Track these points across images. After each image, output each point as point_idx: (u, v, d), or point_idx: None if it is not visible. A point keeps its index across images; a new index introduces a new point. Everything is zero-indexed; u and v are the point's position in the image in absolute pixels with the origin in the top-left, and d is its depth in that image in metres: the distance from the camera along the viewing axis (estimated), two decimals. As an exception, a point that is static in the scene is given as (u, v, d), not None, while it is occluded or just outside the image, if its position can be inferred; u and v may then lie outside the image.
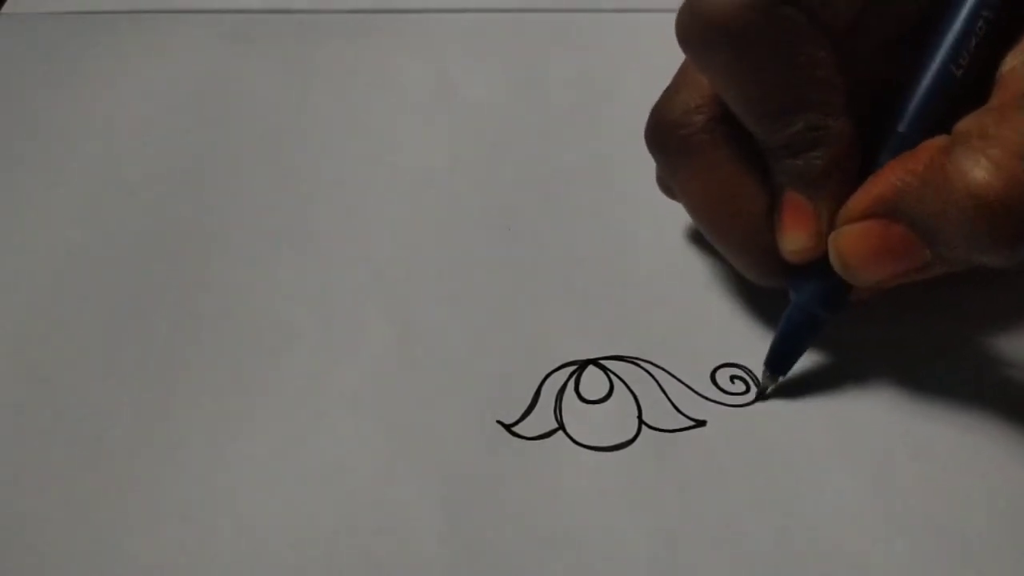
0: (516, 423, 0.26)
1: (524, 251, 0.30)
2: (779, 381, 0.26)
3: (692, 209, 0.27)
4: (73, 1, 0.42)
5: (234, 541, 0.23)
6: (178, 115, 0.36)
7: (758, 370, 0.26)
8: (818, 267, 0.24)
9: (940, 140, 0.22)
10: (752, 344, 0.27)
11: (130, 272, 0.30)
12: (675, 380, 0.26)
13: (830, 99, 0.23)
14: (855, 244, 0.23)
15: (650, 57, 0.36)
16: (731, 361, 0.27)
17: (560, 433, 0.25)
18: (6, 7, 0.42)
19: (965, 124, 0.22)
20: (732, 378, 0.26)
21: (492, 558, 0.23)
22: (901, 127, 0.23)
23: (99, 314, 0.29)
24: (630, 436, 0.25)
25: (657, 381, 0.26)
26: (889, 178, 0.22)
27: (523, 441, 0.25)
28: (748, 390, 0.26)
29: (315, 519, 0.24)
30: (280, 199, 0.32)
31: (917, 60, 0.23)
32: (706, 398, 0.26)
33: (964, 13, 0.23)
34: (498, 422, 0.26)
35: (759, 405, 0.26)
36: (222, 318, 0.28)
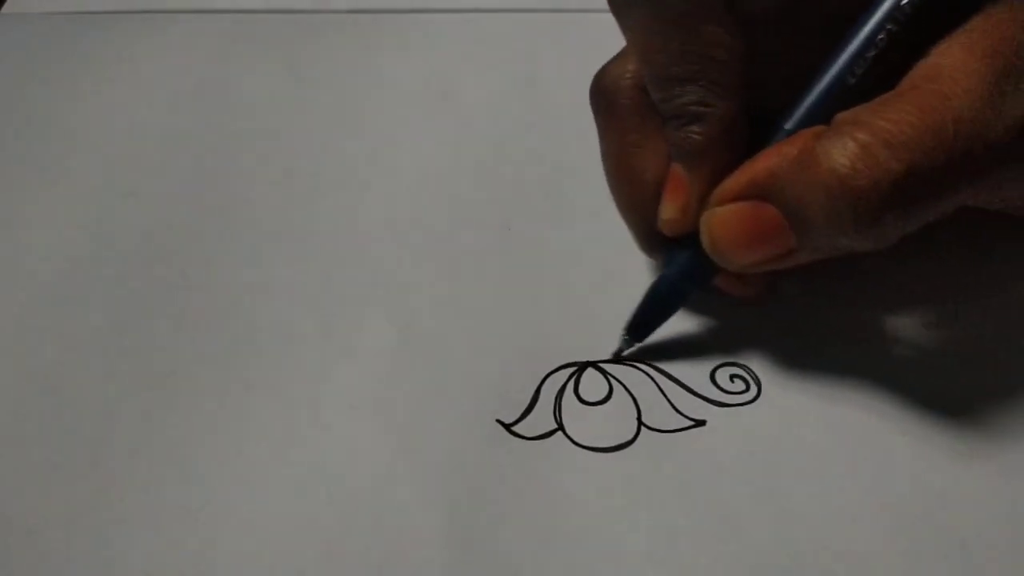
0: (515, 423, 0.26)
1: (524, 251, 0.30)
2: (635, 347, 0.27)
3: (605, 171, 0.28)
4: (73, 1, 0.42)
5: (235, 541, 0.23)
6: (178, 115, 0.36)
7: (758, 369, 0.26)
8: (688, 242, 0.25)
9: (817, 128, 0.22)
10: (752, 343, 0.27)
11: (130, 271, 0.30)
12: (674, 381, 0.26)
13: (721, 79, 0.24)
14: (725, 225, 0.23)
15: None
16: (731, 360, 0.27)
17: (559, 434, 0.25)
18: (6, 7, 0.42)
19: (844, 113, 0.22)
20: (732, 377, 0.26)
21: (492, 558, 0.23)
22: (788, 124, 0.24)
23: (99, 314, 0.29)
24: (629, 437, 0.25)
25: (656, 383, 0.27)
26: (763, 162, 0.23)
27: (523, 441, 0.25)
28: (748, 389, 0.26)
29: (315, 519, 0.24)
30: (280, 199, 0.32)
31: (812, 63, 0.24)
32: (705, 398, 0.26)
33: (869, 25, 0.23)
34: (498, 421, 0.26)
35: (758, 406, 0.26)
36: (222, 318, 0.28)
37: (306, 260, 0.30)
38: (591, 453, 0.25)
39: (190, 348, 0.28)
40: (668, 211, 0.25)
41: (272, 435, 0.26)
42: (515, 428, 0.26)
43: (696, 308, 0.28)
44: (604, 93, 0.27)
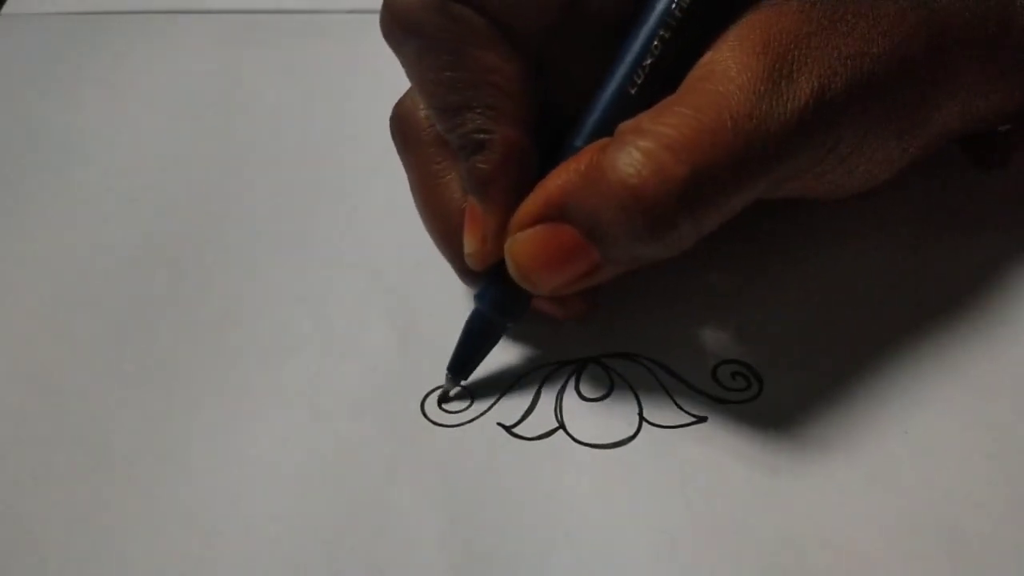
0: (516, 424, 0.26)
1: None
2: (461, 385, 0.26)
3: (415, 204, 0.27)
4: (73, 1, 0.42)
5: (236, 542, 0.23)
6: (178, 115, 0.36)
7: (760, 366, 0.26)
8: (496, 274, 0.25)
9: (603, 141, 0.22)
10: (754, 340, 0.27)
11: (131, 273, 0.30)
12: (676, 378, 0.26)
13: (500, 105, 0.23)
14: (527, 250, 0.23)
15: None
16: (733, 357, 0.27)
17: (561, 432, 0.25)
18: (6, 7, 0.42)
19: (626, 123, 0.22)
20: (733, 374, 0.26)
21: (493, 558, 0.23)
22: (577, 141, 0.23)
23: (101, 316, 0.29)
24: (631, 433, 0.25)
25: (657, 378, 0.26)
26: (554, 180, 0.22)
27: (524, 442, 0.25)
28: (750, 386, 0.26)
29: (316, 520, 0.24)
30: (280, 199, 0.32)
31: (599, 76, 0.24)
32: (707, 395, 0.26)
33: (643, 33, 0.23)
34: (499, 424, 0.26)
35: (759, 403, 0.26)
36: (224, 320, 0.28)
37: (306, 260, 0.30)
38: (592, 449, 0.25)
39: (191, 350, 0.28)
40: (468, 244, 0.25)
41: (272, 436, 0.25)
42: (516, 429, 0.25)
43: (697, 305, 0.28)
44: (401, 127, 0.27)
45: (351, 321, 0.28)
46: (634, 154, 0.21)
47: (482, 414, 0.26)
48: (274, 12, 0.41)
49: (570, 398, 0.26)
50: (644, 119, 0.22)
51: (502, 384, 0.27)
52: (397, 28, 0.24)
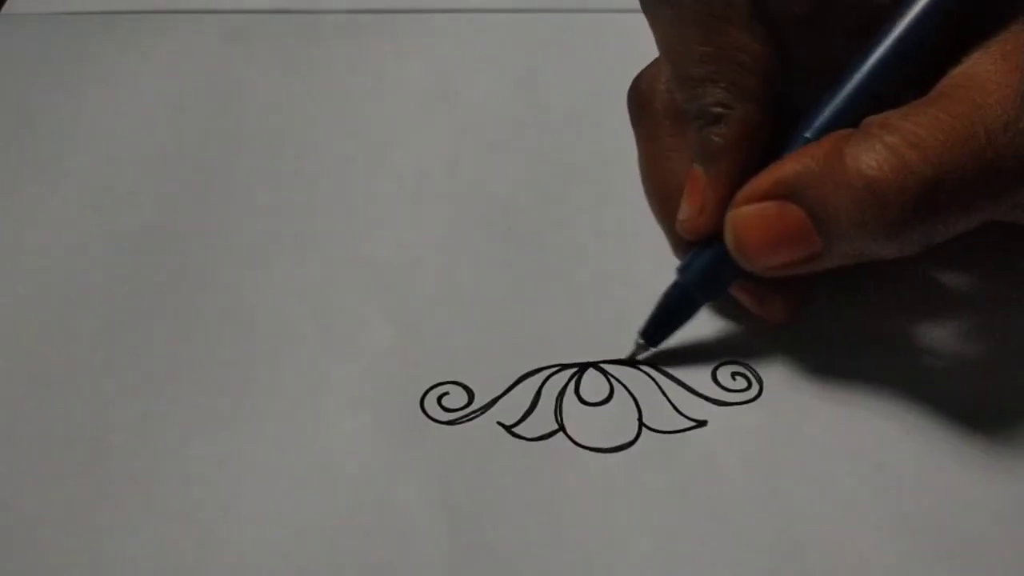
0: (516, 424, 0.26)
1: (523, 251, 0.30)
2: (651, 351, 0.27)
3: (640, 174, 0.28)
4: (73, 1, 0.42)
5: (234, 541, 0.23)
6: (178, 115, 0.36)
7: (760, 367, 0.26)
8: (705, 249, 0.25)
9: (845, 130, 0.22)
10: (754, 341, 0.27)
11: (130, 272, 0.30)
12: (675, 381, 0.26)
13: (743, 82, 0.23)
14: (750, 224, 0.23)
15: (649, 57, 0.37)
16: (733, 358, 0.27)
17: (560, 434, 0.25)
18: (6, 7, 0.42)
19: (873, 117, 0.22)
20: (734, 375, 0.26)
21: (492, 559, 0.23)
22: (808, 132, 0.23)
23: (99, 314, 0.29)
24: (631, 438, 0.25)
25: (657, 383, 0.27)
26: (790, 163, 0.23)
27: (524, 442, 0.25)
28: (750, 387, 0.26)
29: (315, 519, 0.24)
30: (280, 199, 0.32)
31: (846, 66, 0.23)
32: (706, 398, 0.26)
33: (898, 30, 0.23)
34: (498, 423, 0.26)
35: (760, 404, 0.26)
36: (223, 318, 0.28)
37: (306, 259, 0.30)
38: (592, 454, 0.25)
39: (189, 347, 0.28)
40: (683, 211, 0.25)
41: (271, 434, 0.26)
42: (516, 429, 0.26)
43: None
44: (639, 97, 0.27)
45: (351, 318, 0.28)
46: (878, 148, 0.21)
47: (482, 413, 0.26)
48: (274, 12, 0.41)
49: (570, 401, 0.26)
50: (893, 116, 0.21)
51: (502, 383, 0.27)
52: None
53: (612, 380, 0.27)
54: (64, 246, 0.31)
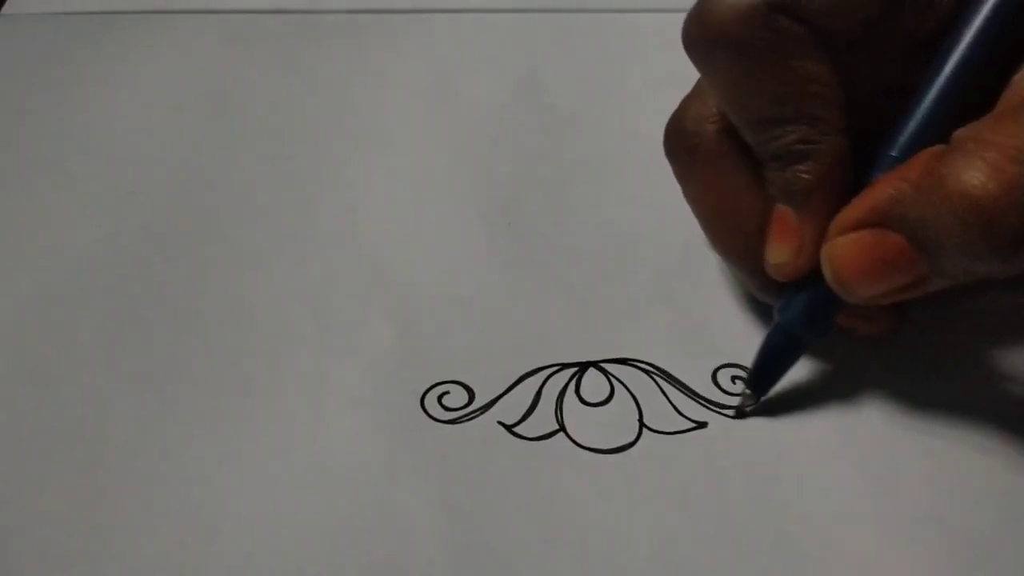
0: (517, 424, 0.26)
1: (524, 252, 0.30)
2: (760, 401, 0.26)
3: (699, 218, 0.26)
4: (73, 1, 0.42)
5: (234, 541, 0.23)
6: (178, 115, 0.36)
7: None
8: (803, 287, 0.24)
9: (936, 148, 0.21)
10: (754, 344, 0.27)
11: (130, 271, 0.30)
12: (675, 383, 0.26)
13: (823, 114, 0.23)
14: (848, 255, 0.22)
15: (649, 57, 0.37)
16: (733, 362, 0.27)
17: (561, 434, 0.25)
18: (6, 7, 0.42)
19: (962, 131, 0.21)
20: (734, 379, 0.26)
21: (492, 558, 0.23)
22: (894, 151, 0.23)
23: (100, 314, 0.29)
24: (631, 439, 0.25)
25: (657, 384, 0.26)
26: (883, 187, 0.22)
27: (524, 442, 0.25)
28: (750, 389, 0.26)
29: (315, 519, 0.24)
30: (280, 199, 0.32)
31: (916, 86, 0.23)
32: (707, 400, 0.26)
33: (967, 41, 0.22)
34: (499, 423, 0.26)
35: (760, 407, 0.26)
36: (223, 317, 0.28)
37: (306, 259, 0.30)
38: (592, 454, 0.25)
39: (190, 346, 0.28)
40: (778, 255, 0.24)
41: (272, 434, 0.26)
42: (516, 429, 0.26)
43: (698, 308, 0.28)
44: (686, 141, 0.26)
45: (351, 318, 0.28)
46: (978, 164, 0.20)
47: (483, 412, 0.26)
48: (274, 12, 0.41)
49: (570, 402, 0.26)
50: (983, 130, 0.20)
51: (503, 382, 0.27)
52: (710, 41, 0.23)
53: (613, 380, 0.27)
54: (64, 246, 0.31)
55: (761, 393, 0.26)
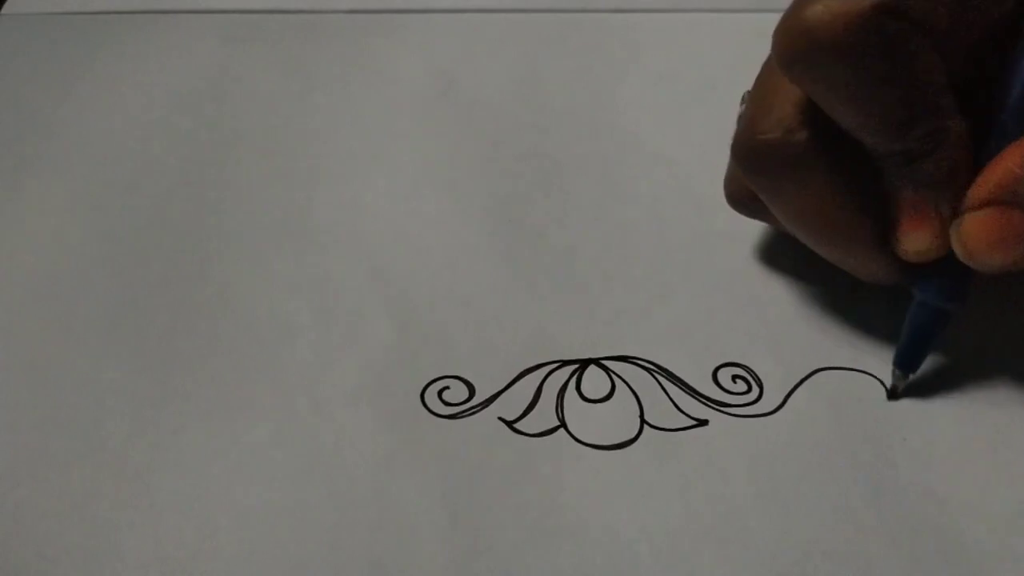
0: (517, 420, 0.26)
1: (526, 248, 0.30)
2: (910, 379, 0.26)
3: (805, 227, 0.26)
4: (73, 1, 0.42)
5: (232, 535, 0.23)
6: (178, 115, 0.36)
7: (760, 369, 0.26)
8: (940, 263, 0.24)
9: None
10: (754, 343, 0.27)
11: (130, 270, 0.30)
12: (676, 381, 0.26)
13: (944, 102, 0.23)
14: (977, 232, 0.23)
15: (649, 57, 0.37)
16: (733, 360, 0.27)
17: (562, 431, 0.25)
18: (6, 7, 0.42)
19: None
20: (734, 378, 0.26)
21: (493, 555, 0.23)
22: (1004, 115, 0.23)
23: (99, 310, 0.29)
24: (632, 435, 0.25)
25: (658, 381, 0.26)
26: (1006, 164, 0.22)
27: (525, 438, 0.25)
28: (750, 389, 0.26)
29: (315, 514, 0.24)
30: (280, 198, 0.32)
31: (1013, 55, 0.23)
32: (707, 398, 0.26)
33: None
34: (499, 418, 0.26)
35: (760, 407, 0.26)
36: (223, 314, 0.28)
37: (306, 256, 0.30)
38: (593, 450, 0.25)
39: (188, 340, 0.28)
40: (918, 243, 0.24)
41: (271, 429, 0.25)
42: (517, 425, 0.26)
43: (699, 306, 0.28)
44: (776, 152, 0.25)
45: (350, 311, 0.28)
46: None
47: (483, 408, 0.26)
48: (274, 12, 0.41)
49: (571, 398, 0.26)
50: None
51: (503, 378, 0.27)
52: (823, 54, 0.22)
53: (614, 377, 0.27)
54: (64, 245, 0.31)
55: (911, 371, 0.26)
